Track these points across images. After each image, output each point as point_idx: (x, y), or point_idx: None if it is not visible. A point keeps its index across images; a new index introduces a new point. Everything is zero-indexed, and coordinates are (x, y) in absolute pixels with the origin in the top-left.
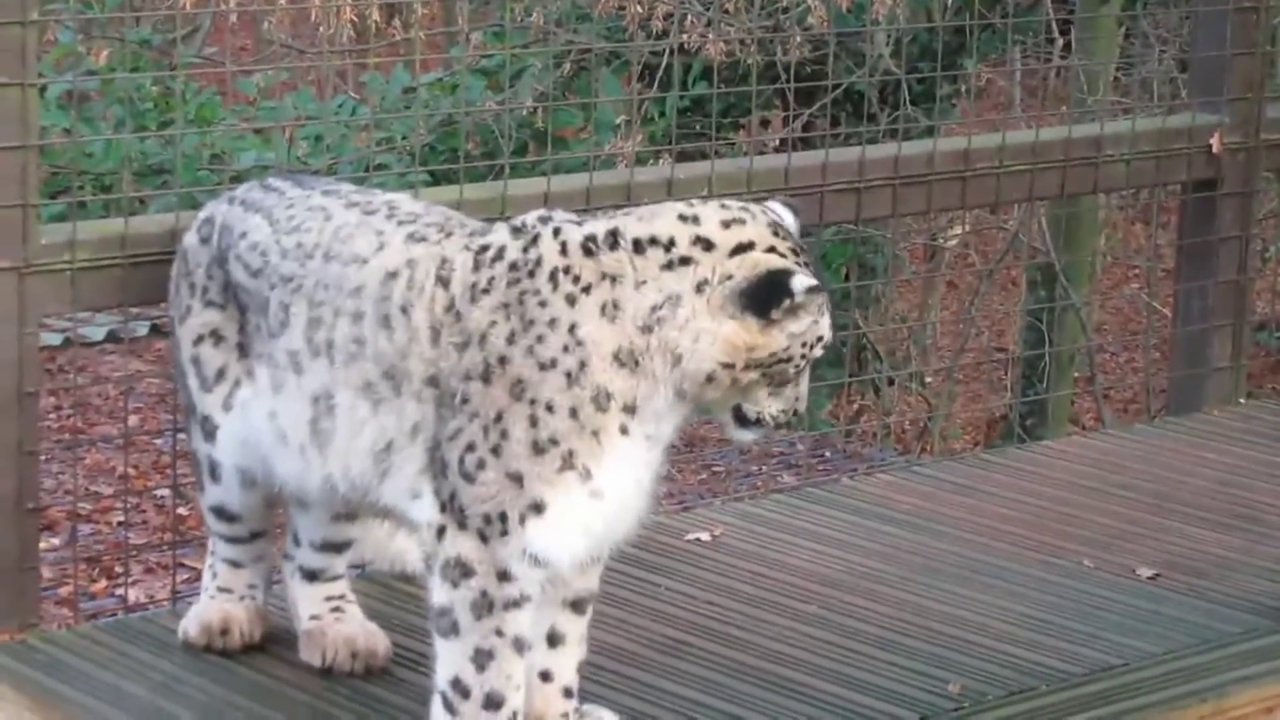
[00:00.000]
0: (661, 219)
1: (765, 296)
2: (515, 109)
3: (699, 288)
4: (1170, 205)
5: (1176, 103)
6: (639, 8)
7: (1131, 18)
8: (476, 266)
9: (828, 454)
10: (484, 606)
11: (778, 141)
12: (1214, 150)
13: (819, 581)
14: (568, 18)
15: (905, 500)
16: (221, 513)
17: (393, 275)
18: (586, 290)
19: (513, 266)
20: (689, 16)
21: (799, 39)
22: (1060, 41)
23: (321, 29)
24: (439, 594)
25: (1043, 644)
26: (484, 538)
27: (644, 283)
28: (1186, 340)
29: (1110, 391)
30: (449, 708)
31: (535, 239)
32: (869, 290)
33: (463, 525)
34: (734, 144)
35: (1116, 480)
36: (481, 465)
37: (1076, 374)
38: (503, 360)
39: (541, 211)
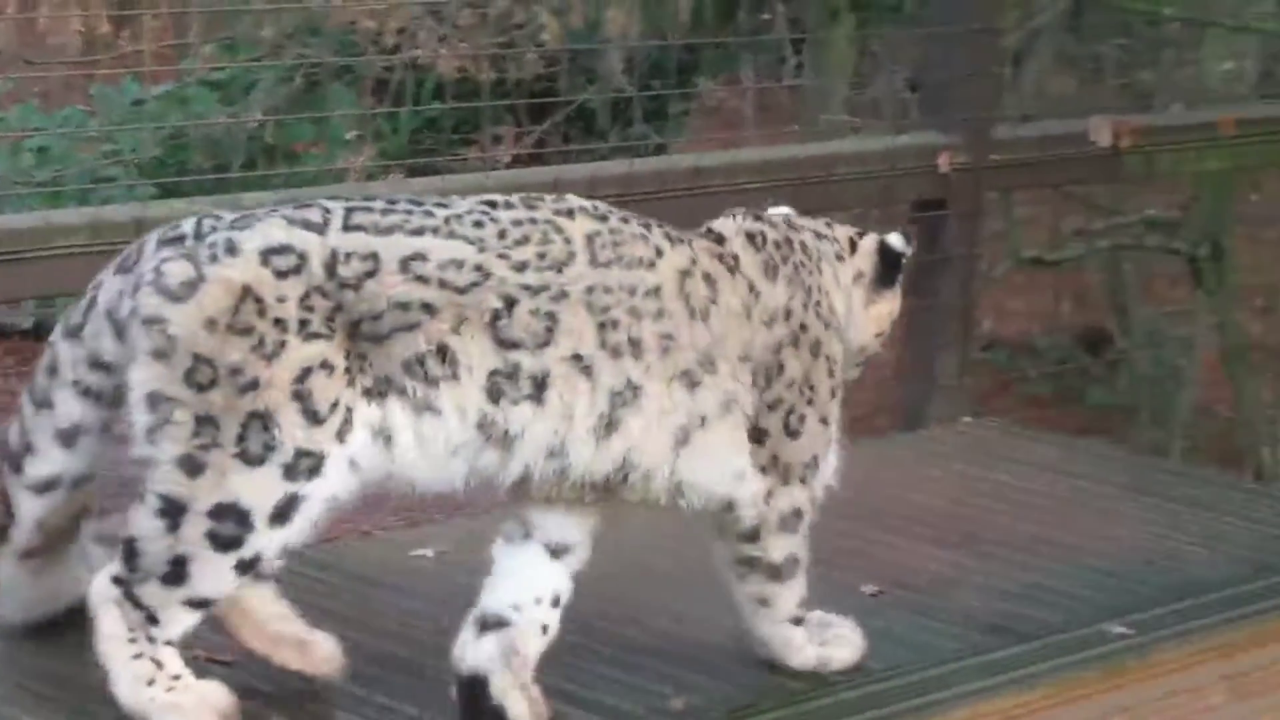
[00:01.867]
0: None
1: (889, 270)
2: (246, 122)
3: (855, 279)
4: (902, 224)
5: (907, 122)
6: (371, 23)
7: (864, 37)
8: (756, 250)
9: None
10: (808, 536)
11: (510, 158)
12: (941, 170)
13: None
14: (300, 31)
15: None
16: (247, 567)
17: (685, 273)
18: (820, 265)
19: (777, 245)
20: (421, 32)
21: (532, 55)
22: (794, 60)
23: (49, 39)
24: (779, 547)
25: (765, 659)
26: (805, 481)
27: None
28: (914, 358)
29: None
30: (800, 625)
31: (771, 223)
32: None
33: (788, 480)
34: (466, 160)
35: (840, 496)
36: (803, 420)
37: None
38: (803, 326)
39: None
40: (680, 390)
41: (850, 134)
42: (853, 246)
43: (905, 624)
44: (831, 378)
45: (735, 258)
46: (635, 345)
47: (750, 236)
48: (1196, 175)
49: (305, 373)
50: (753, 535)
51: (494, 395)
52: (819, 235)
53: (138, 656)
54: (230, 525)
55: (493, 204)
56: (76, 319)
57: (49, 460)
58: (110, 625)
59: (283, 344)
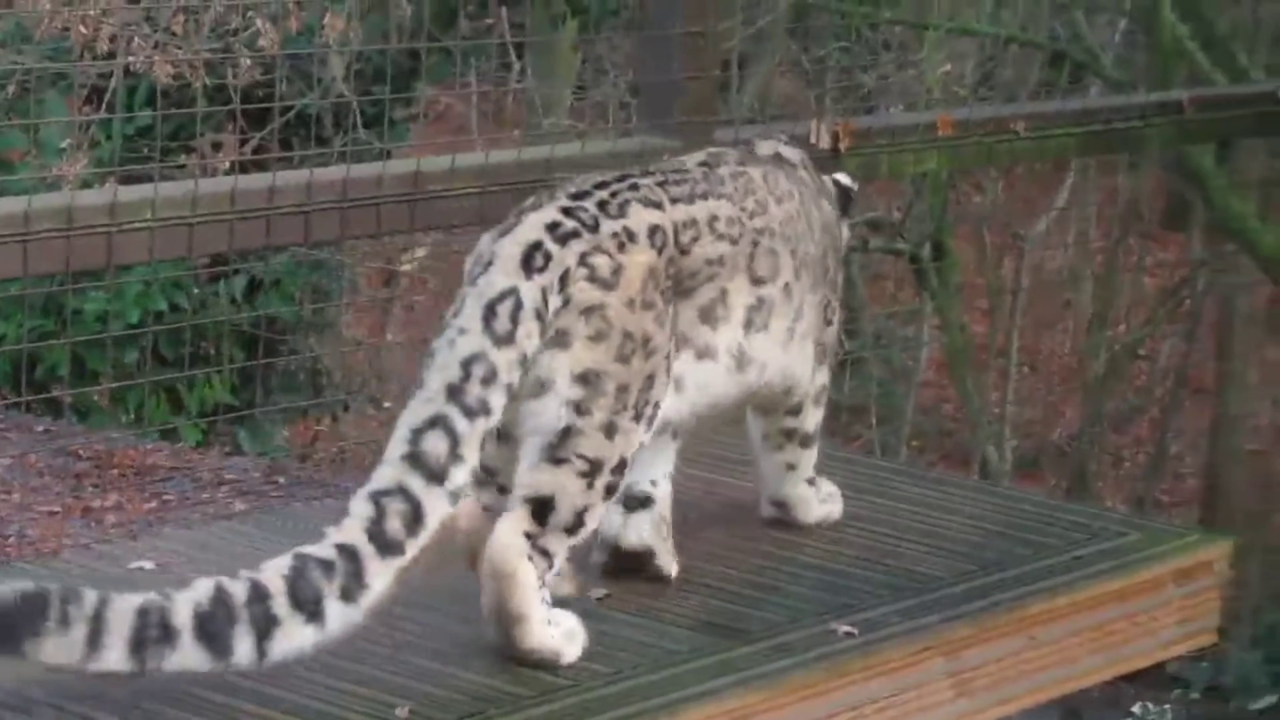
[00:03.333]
0: None
1: (846, 203)
2: None
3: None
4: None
5: (629, 126)
6: (84, 29)
7: (586, 42)
8: (808, 172)
9: (281, 480)
10: None
11: (228, 165)
12: None
13: None
14: (11, 38)
15: None
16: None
17: (800, 198)
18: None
19: (809, 169)
20: (136, 39)
21: (249, 61)
22: (518, 65)
23: None
24: (814, 418)
25: (492, 667)
26: (826, 363)
27: None
28: None
29: None
30: (812, 485)
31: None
32: (324, 315)
33: (822, 361)
34: (184, 167)
35: None
36: (835, 312)
37: None
38: (833, 238)
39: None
40: (811, 300)
41: (574, 138)
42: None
43: (631, 627)
44: (839, 276)
45: (803, 179)
46: (803, 266)
47: (804, 164)
48: (917, 177)
49: (672, 334)
50: (798, 409)
51: (747, 327)
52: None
53: (544, 601)
54: (620, 476)
55: (711, 165)
56: (505, 325)
57: (473, 465)
58: (527, 577)
59: (665, 311)
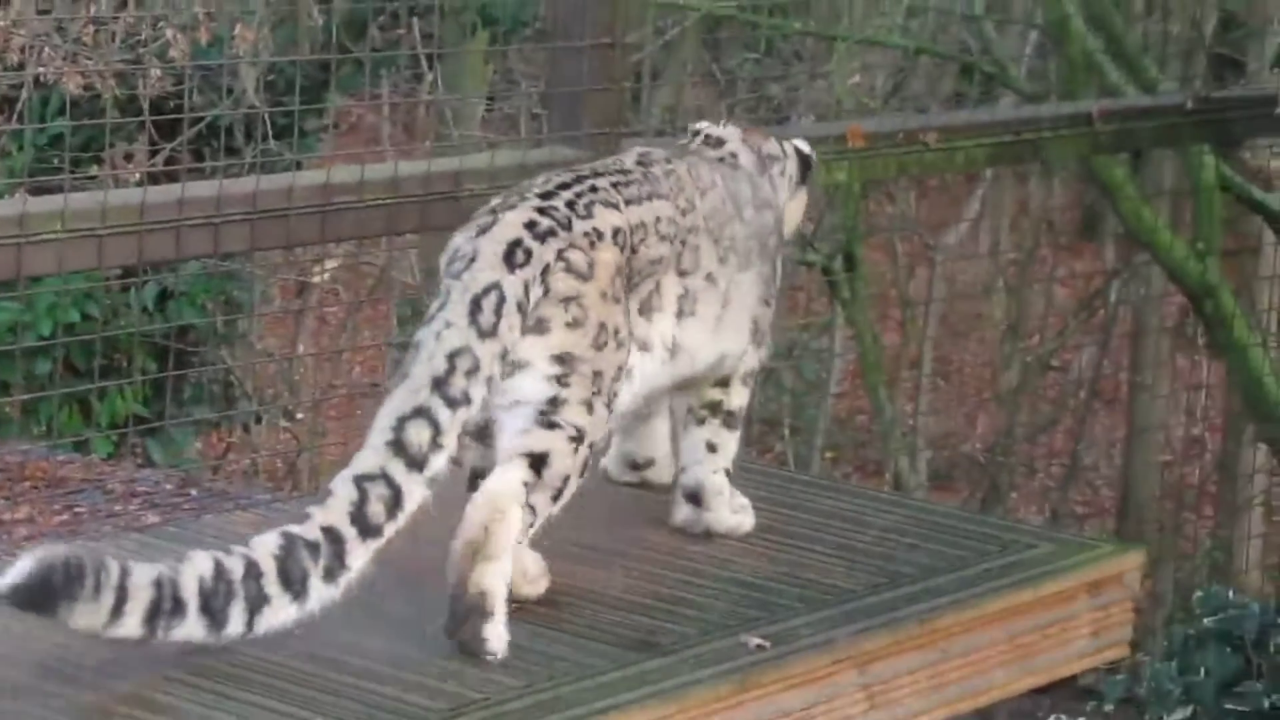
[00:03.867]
0: None
1: (805, 171)
2: None
3: (786, 177)
4: None
5: (539, 137)
6: None
7: (497, 54)
8: (751, 152)
9: (194, 493)
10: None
11: (139, 176)
12: None
13: None
14: None
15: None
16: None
17: (726, 184)
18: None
19: (759, 148)
20: (47, 49)
21: (159, 72)
22: (429, 76)
23: None
24: (739, 396)
25: (406, 681)
26: (761, 345)
27: None
28: None
29: None
30: (727, 477)
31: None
32: (236, 326)
33: (757, 342)
34: (95, 178)
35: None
36: (774, 284)
37: None
38: (776, 216)
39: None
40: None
41: (487, 149)
42: (782, 149)
43: (543, 639)
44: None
45: (735, 156)
46: (730, 251)
47: (744, 140)
48: (828, 187)
49: (633, 328)
50: (724, 383)
51: (678, 317)
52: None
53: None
54: (592, 456)
55: (645, 164)
56: (490, 319)
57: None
58: (515, 522)
59: (626, 307)
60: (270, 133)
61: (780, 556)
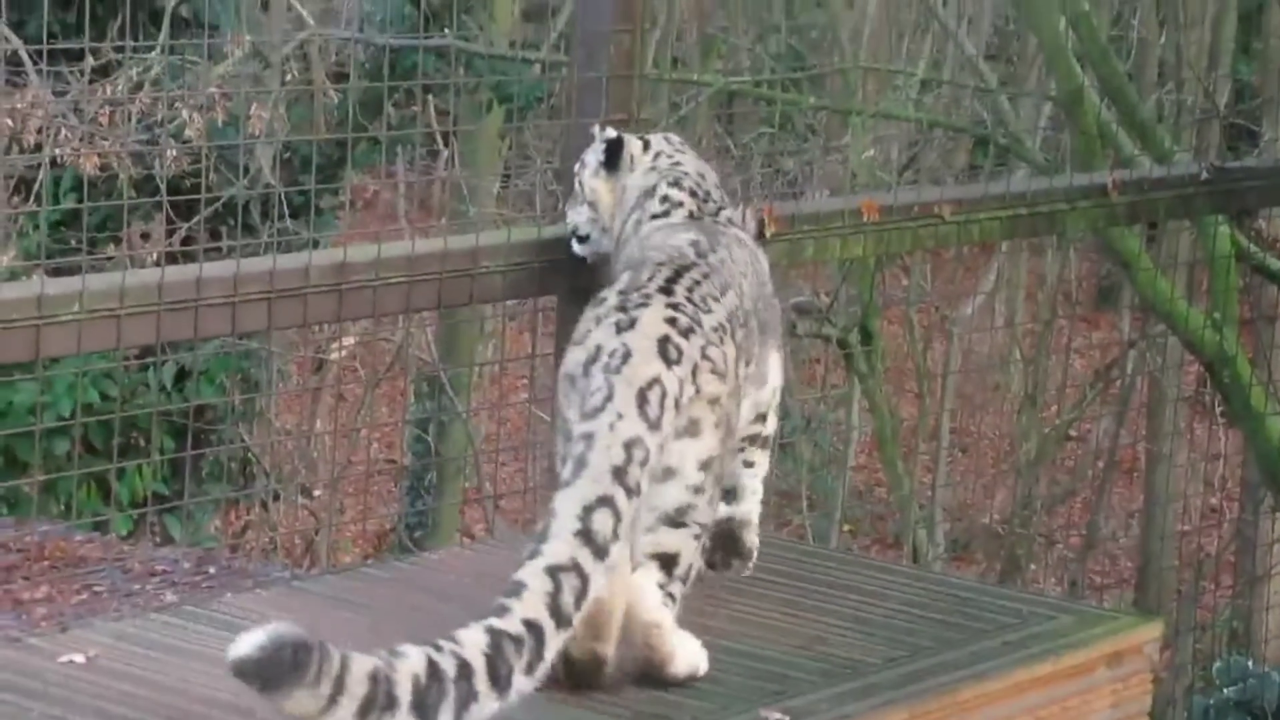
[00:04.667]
0: None
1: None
2: None
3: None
4: (555, 315)
5: (556, 213)
6: (11, 122)
7: (514, 130)
8: (739, 245)
9: (212, 570)
10: None
11: (157, 256)
12: (590, 259)
13: (193, 700)
14: None
15: (286, 615)
16: None
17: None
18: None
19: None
20: (64, 130)
21: (175, 152)
22: (444, 153)
23: None
24: (764, 464)
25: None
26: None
27: None
28: None
29: (501, 502)
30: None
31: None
32: (254, 404)
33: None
34: (112, 258)
35: (501, 589)
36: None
37: (465, 485)
38: (760, 280)
39: None
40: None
41: (502, 225)
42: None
43: (565, 715)
44: None
45: (731, 222)
46: (760, 327)
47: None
48: (843, 261)
49: None
50: (763, 417)
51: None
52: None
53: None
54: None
55: (703, 251)
56: (655, 411)
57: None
58: (669, 620)
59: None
60: (287, 211)
61: (799, 630)
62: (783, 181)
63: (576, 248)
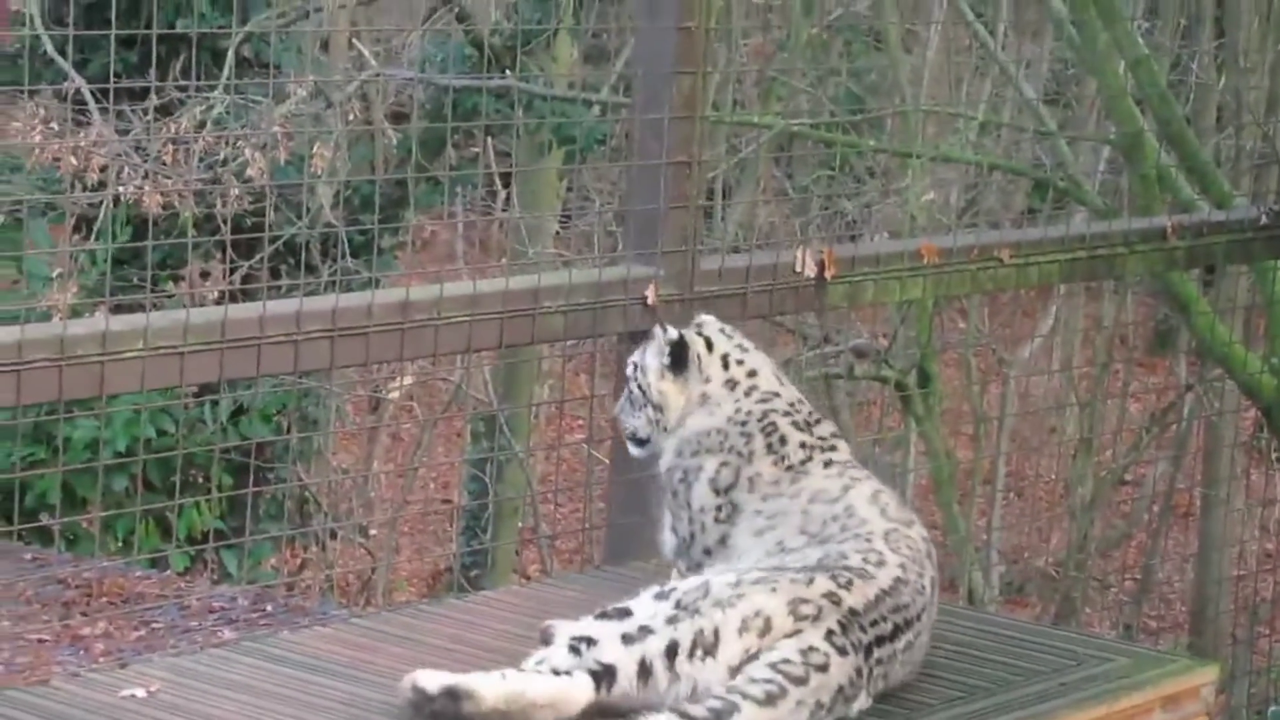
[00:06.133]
0: None
1: None
2: None
3: None
4: (612, 356)
5: (615, 255)
6: (75, 160)
7: (571, 172)
8: None
9: (269, 608)
10: None
11: (217, 294)
12: (649, 302)
13: None
14: (1, 168)
15: (343, 652)
16: None
17: None
18: None
19: None
20: (125, 169)
21: (237, 190)
22: (503, 194)
23: None
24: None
25: None
26: None
27: None
28: (623, 490)
29: (556, 542)
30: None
31: None
32: (311, 443)
33: None
34: (173, 296)
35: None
36: None
37: (521, 524)
38: None
39: None
40: None
41: (561, 266)
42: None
43: None
44: None
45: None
46: None
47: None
48: (902, 303)
49: None
50: None
51: None
52: None
53: None
54: None
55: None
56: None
57: None
58: None
59: None
60: (347, 250)
61: None
62: (841, 224)
63: (635, 450)
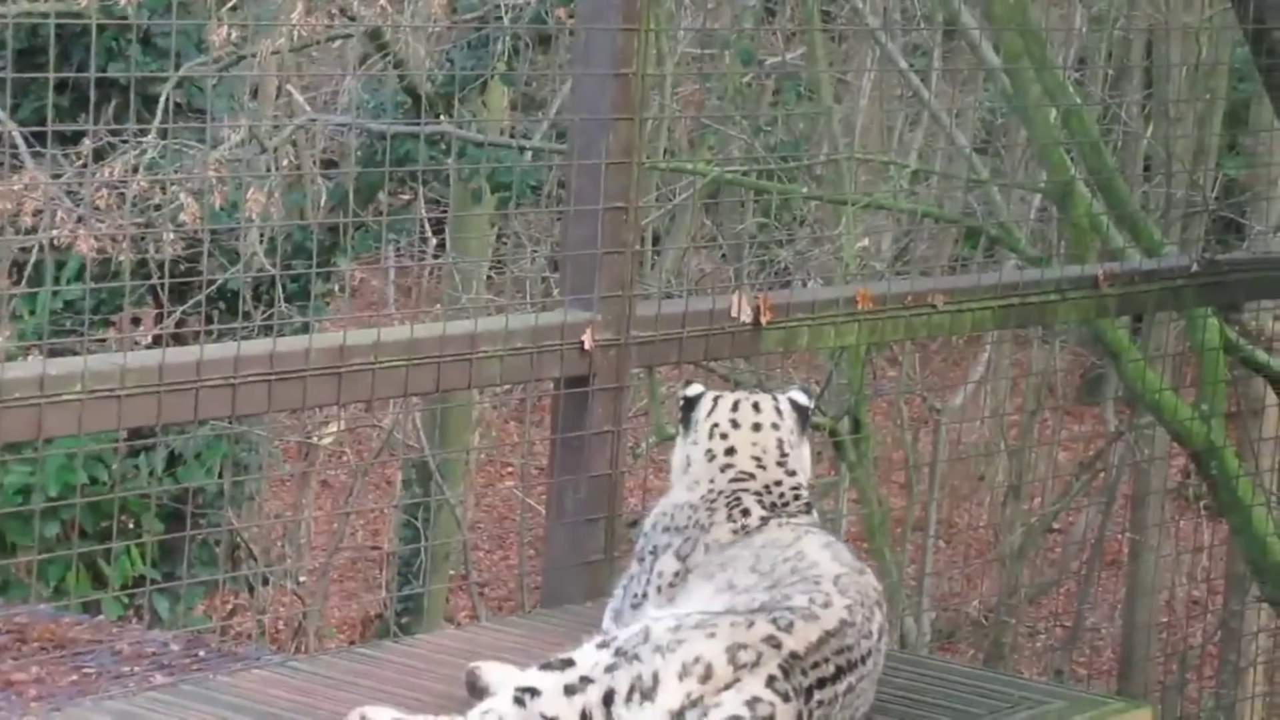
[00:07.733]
0: None
1: None
2: None
3: None
4: (544, 404)
5: (550, 300)
6: (7, 204)
7: (503, 217)
8: None
9: (202, 653)
10: None
11: (150, 338)
12: (586, 347)
13: None
14: None
15: (283, 695)
16: None
17: None
18: None
19: None
20: (60, 213)
21: (171, 236)
22: (435, 240)
23: None
24: None
25: None
26: None
27: None
28: (560, 534)
29: (485, 589)
30: None
31: None
32: (242, 488)
33: None
34: (105, 340)
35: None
36: None
37: (452, 571)
38: None
39: None
40: None
41: (495, 312)
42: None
43: None
44: None
45: None
46: None
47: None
48: (835, 350)
49: None
50: None
51: None
52: None
53: None
54: None
55: None
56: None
57: None
58: None
59: None
60: (281, 296)
61: None
62: (773, 271)
63: None
